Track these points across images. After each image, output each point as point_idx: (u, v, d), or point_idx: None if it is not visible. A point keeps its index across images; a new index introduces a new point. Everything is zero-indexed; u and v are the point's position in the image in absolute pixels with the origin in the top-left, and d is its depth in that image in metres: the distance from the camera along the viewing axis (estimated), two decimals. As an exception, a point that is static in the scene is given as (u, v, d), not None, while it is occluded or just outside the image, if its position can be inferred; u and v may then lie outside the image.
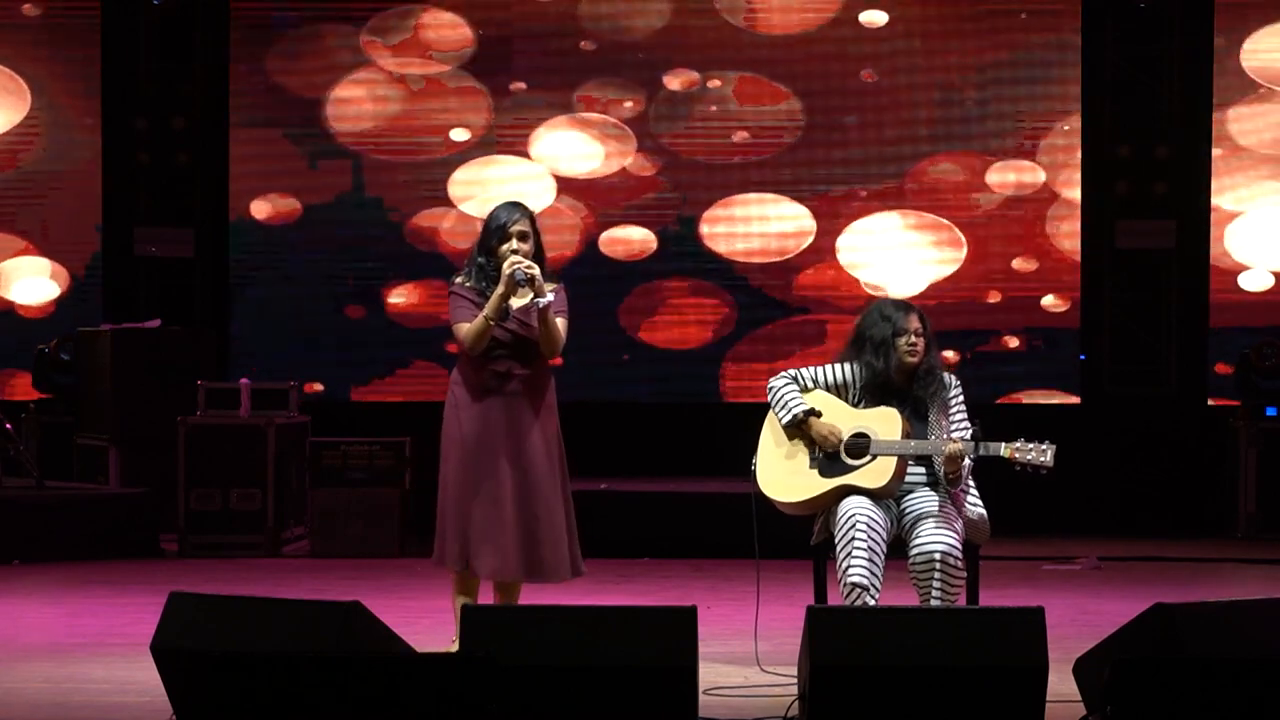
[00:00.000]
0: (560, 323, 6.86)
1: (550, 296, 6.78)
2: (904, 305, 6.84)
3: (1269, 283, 12.08)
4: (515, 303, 6.79)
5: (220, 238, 12.28)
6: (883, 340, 6.74)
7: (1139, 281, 12.29)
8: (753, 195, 12.15)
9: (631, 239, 12.18)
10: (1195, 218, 12.13)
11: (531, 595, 7.07)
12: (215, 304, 12.33)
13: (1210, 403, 12.07)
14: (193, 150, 12.37)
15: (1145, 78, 12.18)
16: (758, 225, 12.16)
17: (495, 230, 6.86)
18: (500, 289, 6.75)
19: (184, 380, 10.95)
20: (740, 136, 12.14)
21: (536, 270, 6.74)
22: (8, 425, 10.89)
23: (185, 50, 12.38)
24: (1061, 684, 5.78)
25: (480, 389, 6.87)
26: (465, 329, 6.83)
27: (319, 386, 12.18)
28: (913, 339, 6.73)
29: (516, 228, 6.83)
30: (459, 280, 6.94)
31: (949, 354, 11.92)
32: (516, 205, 6.96)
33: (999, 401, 11.89)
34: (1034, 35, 12.08)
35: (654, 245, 12.17)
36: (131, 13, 12.39)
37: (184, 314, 12.19)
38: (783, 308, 12.14)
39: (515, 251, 6.78)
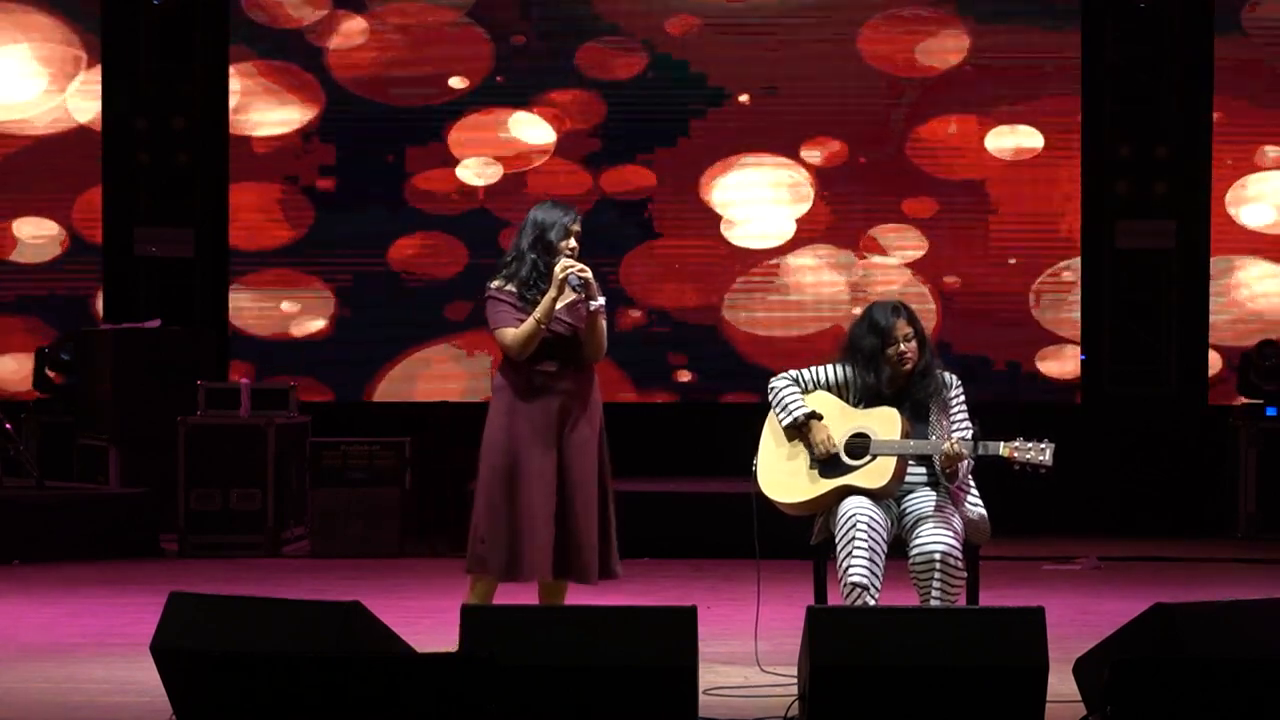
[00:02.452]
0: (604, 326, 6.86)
1: (602, 300, 6.75)
2: (892, 309, 6.74)
3: (1271, 218, 12.09)
4: (559, 303, 6.77)
5: (220, 237, 12.27)
6: (872, 354, 6.71)
7: (1139, 281, 12.29)
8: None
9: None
10: (1195, 218, 12.13)
11: (529, 594, 7.06)
12: (215, 304, 12.32)
13: (1211, 400, 12.10)
14: (193, 150, 12.36)
15: (1145, 78, 12.18)
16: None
17: (553, 228, 6.79)
18: (553, 292, 6.70)
19: (184, 380, 10.95)
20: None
21: (590, 274, 6.72)
22: (8, 425, 10.90)
23: (185, 50, 12.37)
24: (1061, 684, 5.78)
25: (530, 391, 6.82)
26: (512, 334, 6.77)
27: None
28: (901, 347, 6.69)
29: (577, 227, 6.81)
30: (496, 285, 6.85)
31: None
32: (568, 206, 6.94)
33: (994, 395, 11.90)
34: (1034, 35, 12.09)
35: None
36: (131, 13, 12.39)
37: (184, 314, 12.19)
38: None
39: (572, 250, 6.77)
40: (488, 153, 12.10)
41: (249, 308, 12.23)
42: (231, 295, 12.22)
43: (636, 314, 12.11)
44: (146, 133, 12.35)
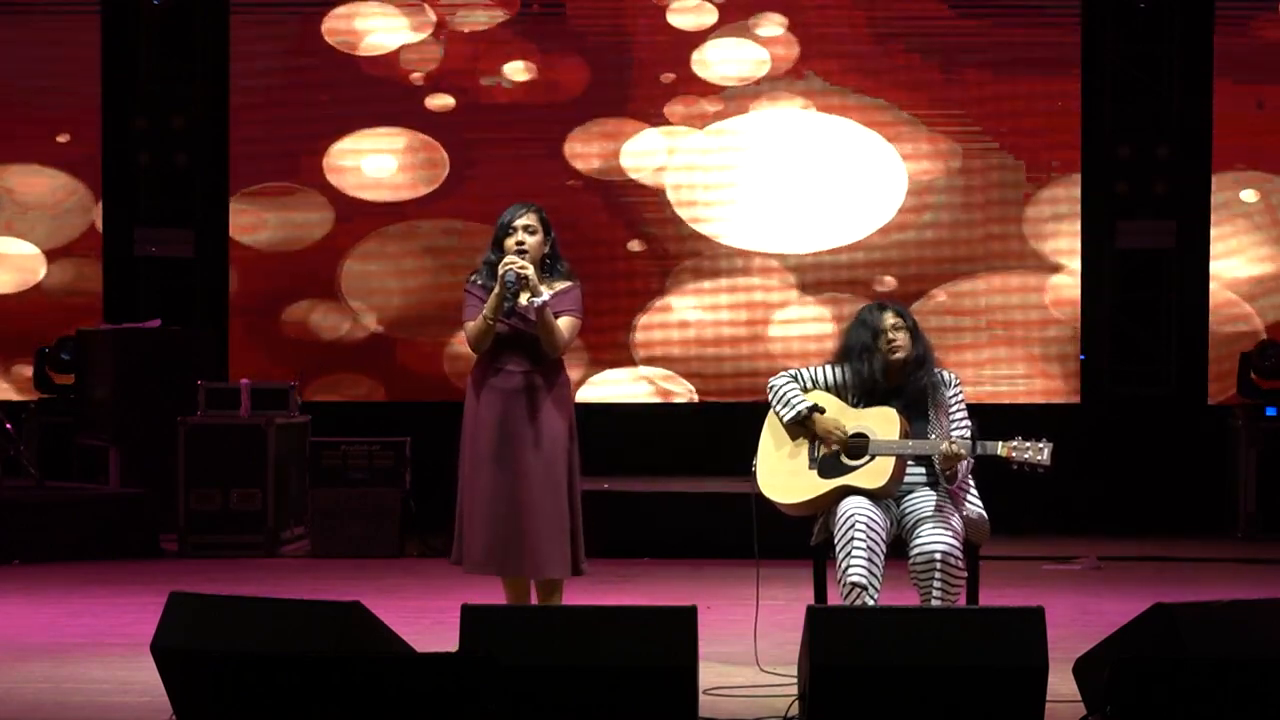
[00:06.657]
0: (565, 321, 6.88)
1: (546, 295, 6.80)
2: (880, 305, 6.87)
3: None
4: (522, 299, 6.82)
5: (220, 236, 12.27)
6: (864, 346, 6.77)
7: (1139, 281, 12.29)
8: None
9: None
10: (1195, 218, 12.12)
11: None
12: (215, 304, 12.31)
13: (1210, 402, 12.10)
14: (193, 150, 12.36)
15: (1145, 78, 12.18)
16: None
17: (501, 227, 6.93)
18: (497, 288, 6.80)
19: (184, 380, 10.95)
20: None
21: (530, 271, 6.77)
22: (8, 425, 10.90)
23: (185, 50, 12.37)
24: (1061, 684, 5.78)
25: (490, 387, 6.92)
26: (469, 327, 6.91)
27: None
28: (890, 336, 6.73)
29: (520, 222, 6.89)
30: (473, 278, 7.01)
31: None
32: (525, 203, 7.01)
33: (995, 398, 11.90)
34: (1034, 33, 12.08)
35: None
36: (131, 12, 12.38)
37: (184, 314, 12.19)
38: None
39: (520, 244, 6.84)
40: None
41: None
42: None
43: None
44: (146, 133, 12.35)
